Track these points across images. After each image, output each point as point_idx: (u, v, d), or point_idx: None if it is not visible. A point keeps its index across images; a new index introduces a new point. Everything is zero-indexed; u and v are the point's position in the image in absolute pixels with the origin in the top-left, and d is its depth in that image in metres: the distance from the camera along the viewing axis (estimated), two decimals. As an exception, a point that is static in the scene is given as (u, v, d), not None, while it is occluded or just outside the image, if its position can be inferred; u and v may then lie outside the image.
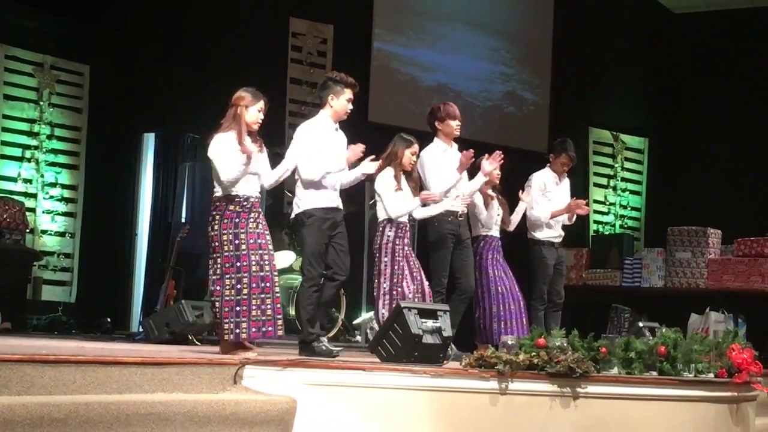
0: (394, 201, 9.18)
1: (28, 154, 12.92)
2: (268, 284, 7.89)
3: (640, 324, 9.01)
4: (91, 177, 13.34)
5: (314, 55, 14.43)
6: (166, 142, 13.61)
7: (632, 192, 17.41)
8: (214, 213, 7.95)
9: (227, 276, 7.84)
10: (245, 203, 7.97)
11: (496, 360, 6.89)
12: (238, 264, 7.83)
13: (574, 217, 10.95)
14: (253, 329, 7.82)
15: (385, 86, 14.88)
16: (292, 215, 8.58)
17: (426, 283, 9.26)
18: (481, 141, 15.16)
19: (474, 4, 15.92)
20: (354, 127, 12.84)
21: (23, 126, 12.92)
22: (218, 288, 7.88)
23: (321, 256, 8.32)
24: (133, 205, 13.40)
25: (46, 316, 12.49)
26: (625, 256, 13.80)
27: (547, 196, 10.79)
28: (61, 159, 13.19)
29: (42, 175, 13.01)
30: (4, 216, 11.69)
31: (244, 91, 8.09)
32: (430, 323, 7.25)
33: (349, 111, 8.60)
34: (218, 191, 8.02)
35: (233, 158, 7.87)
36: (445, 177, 9.54)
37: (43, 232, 13.01)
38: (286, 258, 12.33)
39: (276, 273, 8.02)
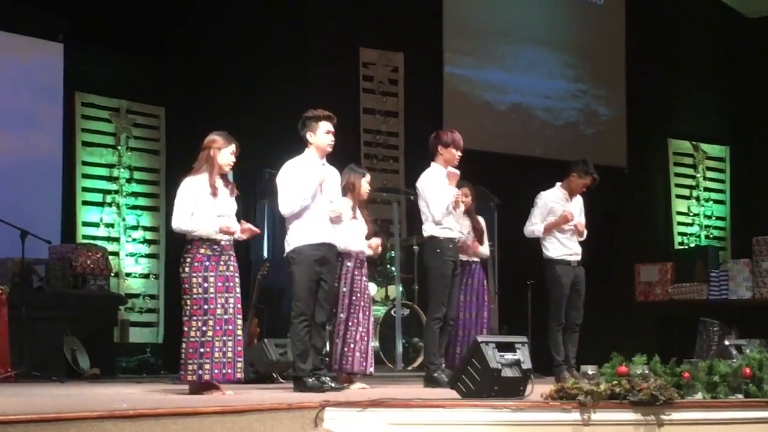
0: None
1: (108, 198, 13.11)
2: (230, 327, 8.06)
3: (727, 342, 8.83)
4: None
5: (386, 83, 14.48)
6: (243, 177, 13.63)
7: (716, 201, 17.21)
8: (186, 255, 8.11)
9: (194, 318, 8.01)
10: (216, 247, 8.11)
11: (577, 391, 6.81)
12: (206, 307, 8.00)
13: (584, 233, 10.66)
14: (215, 371, 7.99)
15: (460, 110, 14.88)
16: (285, 254, 8.63)
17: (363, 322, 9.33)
18: (556, 159, 15.15)
19: (542, 21, 15.87)
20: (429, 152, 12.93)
21: (103, 171, 13.11)
22: (185, 329, 8.06)
23: (311, 292, 8.41)
24: (215, 243, 13.48)
25: (135, 358, 12.65)
26: (710, 268, 13.57)
27: (553, 213, 10.51)
28: (142, 201, 13.35)
29: (123, 219, 13.18)
30: (88, 262, 11.84)
31: (216, 134, 8.27)
32: (508, 356, 7.19)
33: (331, 142, 8.58)
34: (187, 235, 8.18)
35: (191, 206, 8.07)
36: (445, 198, 9.35)
37: (128, 275, 13.17)
38: (367, 289, 12.34)
39: (240, 316, 8.15)
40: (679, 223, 16.81)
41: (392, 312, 12.11)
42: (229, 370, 8.04)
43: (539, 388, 7.20)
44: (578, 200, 10.64)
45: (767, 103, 16.79)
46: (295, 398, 7.49)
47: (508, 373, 7.14)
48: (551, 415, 6.80)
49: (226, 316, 8.05)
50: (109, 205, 13.11)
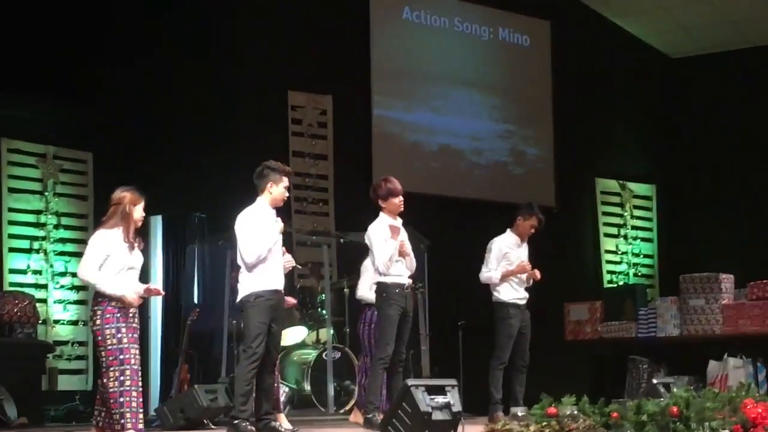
0: None
1: (36, 245, 12.95)
2: (137, 377, 8.15)
3: (655, 381, 8.92)
4: (100, 263, 13.33)
5: (315, 126, 14.46)
6: (173, 223, 13.58)
7: (644, 239, 17.40)
8: (96, 308, 8.18)
9: (111, 368, 8.07)
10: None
11: (507, 433, 6.85)
12: (121, 357, 8.08)
13: (531, 280, 10.88)
14: (133, 419, 8.05)
15: (389, 152, 14.92)
16: (238, 299, 8.87)
17: None
18: (486, 199, 15.29)
19: (470, 63, 15.98)
20: (359, 194, 12.97)
21: (29, 218, 12.95)
22: (104, 380, 8.14)
23: (264, 335, 8.64)
24: (145, 289, 13.36)
25: (63, 407, 12.50)
26: (639, 306, 13.70)
27: (507, 258, 10.74)
28: (70, 247, 13.18)
29: (51, 265, 13.03)
30: (15, 310, 11.73)
31: (126, 190, 8.37)
32: (438, 399, 7.22)
33: (286, 197, 8.94)
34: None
35: (116, 256, 8.17)
36: (387, 248, 9.54)
37: (56, 321, 13.01)
38: (298, 333, 12.33)
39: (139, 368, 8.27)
40: (608, 262, 16.97)
41: (323, 355, 12.09)
42: (136, 420, 8.11)
43: (470, 430, 7.24)
44: (525, 246, 10.87)
45: (692, 141, 17.07)
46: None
47: (438, 416, 7.18)
48: (482, 458, 6.83)
49: (136, 367, 8.15)
50: (37, 251, 12.95)
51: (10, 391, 11.24)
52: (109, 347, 8.09)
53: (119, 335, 8.09)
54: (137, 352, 8.20)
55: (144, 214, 8.41)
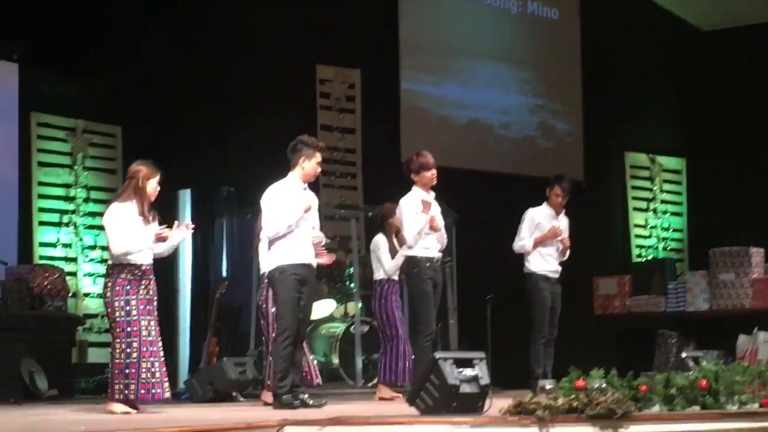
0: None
1: (65, 218, 13.05)
2: (155, 348, 8.27)
3: (684, 354, 8.88)
4: (129, 237, 13.37)
5: (343, 100, 14.47)
6: (202, 197, 13.62)
7: (673, 213, 17.33)
8: (107, 280, 8.36)
9: (118, 340, 8.23)
10: (137, 271, 8.34)
11: (535, 406, 6.81)
12: (129, 329, 8.21)
13: (567, 252, 10.85)
14: (142, 391, 8.18)
15: (417, 126, 14.91)
16: (266, 274, 8.94)
17: None
18: (514, 173, 15.23)
19: (499, 37, 15.92)
20: (387, 168, 12.97)
21: (59, 191, 13.05)
22: (111, 351, 8.29)
23: (295, 309, 8.63)
24: (173, 262, 13.38)
25: (93, 379, 12.57)
26: (668, 280, 13.68)
27: (540, 229, 10.72)
28: (99, 221, 13.14)
29: (81, 239, 13.12)
30: (45, 283, 11.79)
31: (141, 164, 8.49)
32: (466, 372, 7.20)
33: (318, 173, 8.92)
34: (111, 259, 8.39)
35: (130, 229, 8.28)
36: (417, 222, 9.62)
37: (86, 294, 13.10)
38: (326, 306, 12.36)
39: (160, 337, 8.37)
40: (637, 236, 16.91)
41: (351, 329, 12.12)
42: (158, 390, 8.25)
43: (498, 403, 7.22)
44: (564, 219, 10.84)
45: (722, 114, 16.91)
46: (254, 417, 7.48)
47: (466, 389, 7.15)
48: (509, 431, 6.81)
49: (150, 338, 8.25)
50: (66, 225, 13.04)
51: (40, 363, 11.33)
52: (117, 319, 8.23)
53: (128, 307, 8.21)
54: (150, 323, 8.27)
55: (158, 188, 8.46)
